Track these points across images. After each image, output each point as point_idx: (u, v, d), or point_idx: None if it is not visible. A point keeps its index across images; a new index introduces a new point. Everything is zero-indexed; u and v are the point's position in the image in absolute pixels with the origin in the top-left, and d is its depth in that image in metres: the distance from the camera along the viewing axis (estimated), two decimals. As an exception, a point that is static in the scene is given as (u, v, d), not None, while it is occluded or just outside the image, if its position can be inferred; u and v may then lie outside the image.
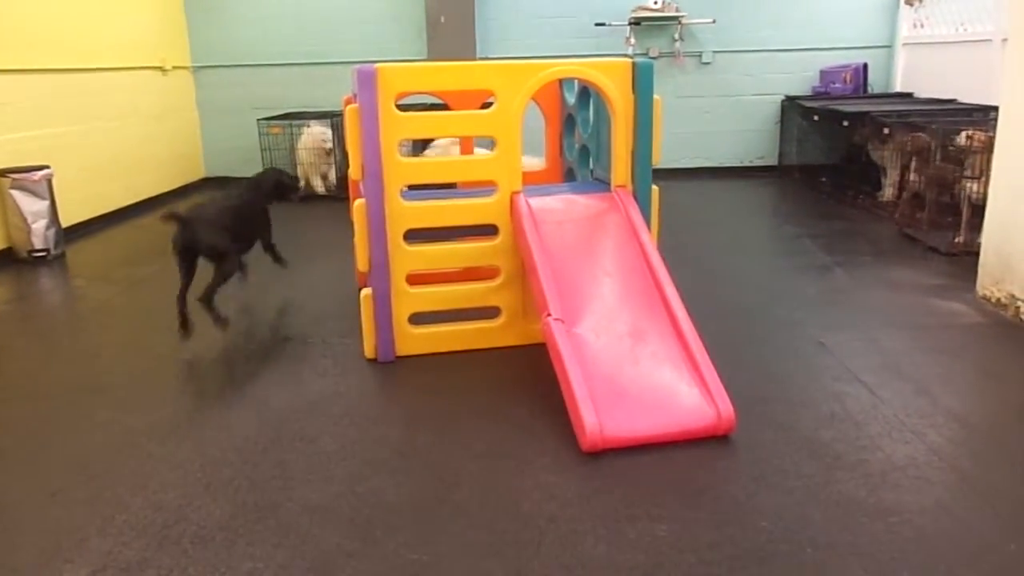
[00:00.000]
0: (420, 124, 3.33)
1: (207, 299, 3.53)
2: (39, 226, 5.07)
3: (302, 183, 6.39)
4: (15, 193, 5.00)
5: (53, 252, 5.16)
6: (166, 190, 7.13)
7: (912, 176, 5.44)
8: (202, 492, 2.38)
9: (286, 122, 7.14)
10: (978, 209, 4.28)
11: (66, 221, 5.38)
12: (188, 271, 3.56)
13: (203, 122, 7.88)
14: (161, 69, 7.21)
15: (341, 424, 2.80)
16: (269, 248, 4.20)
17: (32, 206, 5.05)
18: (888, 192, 5.99)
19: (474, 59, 7.21)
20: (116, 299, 4.29)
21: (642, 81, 3.26)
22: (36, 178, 5.08)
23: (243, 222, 3.84)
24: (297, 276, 4.68)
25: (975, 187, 4.52)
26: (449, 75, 3.37)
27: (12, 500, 2.39)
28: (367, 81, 3.08)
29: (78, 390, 3.19)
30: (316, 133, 6.89)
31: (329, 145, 6.83)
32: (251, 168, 7.15)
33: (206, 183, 7.84)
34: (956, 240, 4.74)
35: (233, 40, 7.67)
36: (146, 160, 6.90)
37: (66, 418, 2.94)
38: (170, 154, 7.34)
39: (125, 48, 6.64)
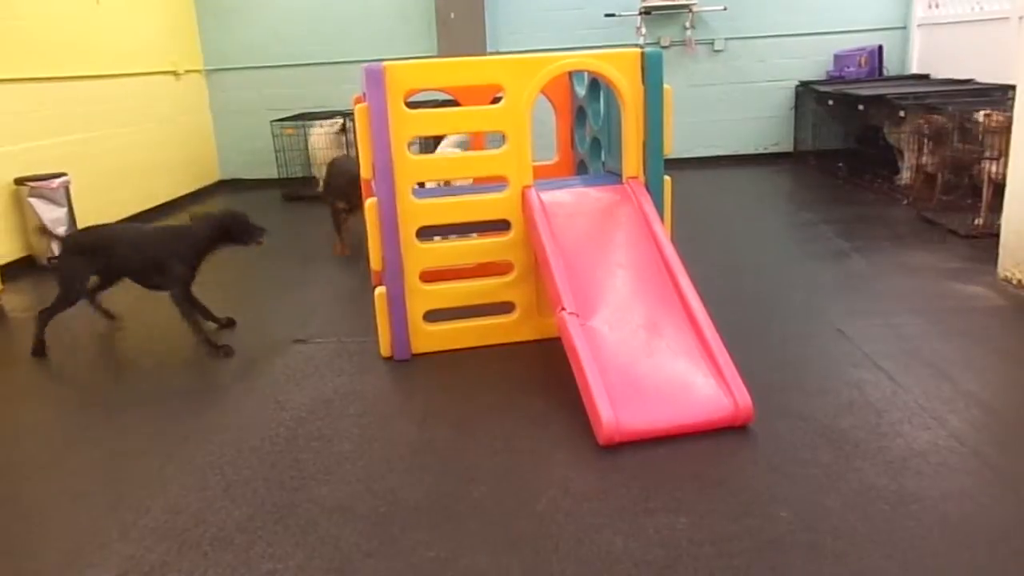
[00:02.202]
0: (429, 121, 3.32)
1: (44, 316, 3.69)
2: (58, 233, 5.12)
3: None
4: (34, 201, 5.06)
5: (72, 259, 5.20)
6: (181, 194, 7.19)
7: (926, 159, 5.37)
8: (221, 494, 2.39)
9: (300, 123, 7.17)
10: (999, 190, 4.22)
11: (84, 227, 5.44)
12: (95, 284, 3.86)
13: (217, 125, 7.93)
14: (174, 73, 7.26)
15: (358, 423, 2.81)
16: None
17: (51, 213, 5.10)
18: (905, 175, 5.91)
19: (484, 54, 7.20)
20: (133, 305, 4.32)
21: (651, 71, 3.23)
22: (54, 186, 5.13)
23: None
24: (311, 276, 4.70)
25: (995, 168, 4.46)
26: (456, 71, 3.36)
27: (35, 505, 2.42)
28: (375, 80, 3.08)
29: (97, 395, 3.23)
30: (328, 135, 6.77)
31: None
32: (266, 170, 7.23)
33: (221, 186, 7.89)
34: (976, 222, 4.67)
35: (244, 42, 7.71)
36: (161, 165, 6.95)
37: (86, 423, 2.97)
38: (184, 158, 7.39)
39: (138, 54, 6.69)
